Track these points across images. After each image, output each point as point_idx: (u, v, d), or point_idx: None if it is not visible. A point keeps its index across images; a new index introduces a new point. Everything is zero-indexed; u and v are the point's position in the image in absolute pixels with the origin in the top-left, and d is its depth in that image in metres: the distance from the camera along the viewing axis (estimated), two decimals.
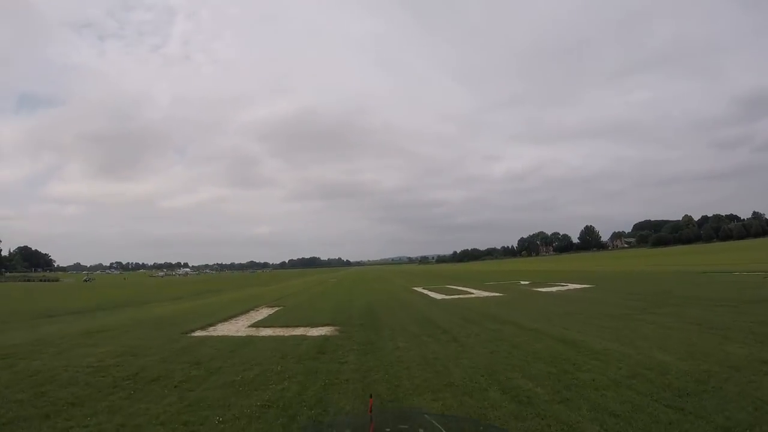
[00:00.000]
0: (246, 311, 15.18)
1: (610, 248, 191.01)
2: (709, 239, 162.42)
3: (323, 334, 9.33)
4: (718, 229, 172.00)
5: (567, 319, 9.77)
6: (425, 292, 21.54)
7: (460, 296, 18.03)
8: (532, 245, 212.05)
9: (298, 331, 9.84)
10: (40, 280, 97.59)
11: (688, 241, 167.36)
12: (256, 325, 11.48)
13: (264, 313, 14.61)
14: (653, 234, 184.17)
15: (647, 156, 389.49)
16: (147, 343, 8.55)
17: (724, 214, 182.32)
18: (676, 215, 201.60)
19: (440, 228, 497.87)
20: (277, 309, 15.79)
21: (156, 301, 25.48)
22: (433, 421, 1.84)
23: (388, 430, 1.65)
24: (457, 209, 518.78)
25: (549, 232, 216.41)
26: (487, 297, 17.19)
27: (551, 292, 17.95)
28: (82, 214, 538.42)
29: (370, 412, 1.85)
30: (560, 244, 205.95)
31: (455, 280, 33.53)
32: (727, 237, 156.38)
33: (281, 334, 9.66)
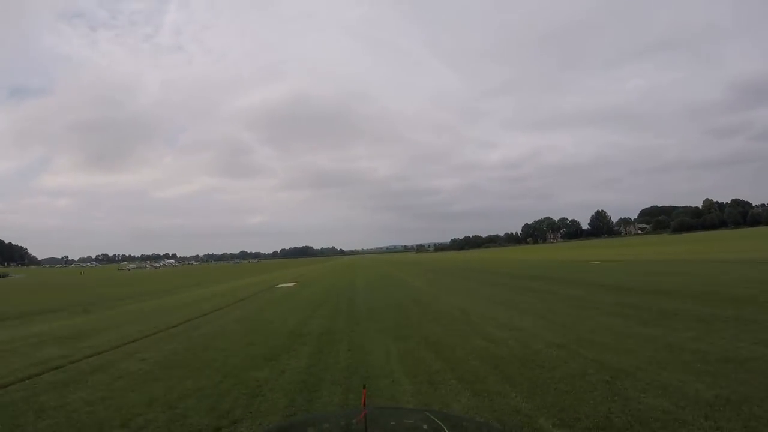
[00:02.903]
0: None
1: (623, 234, 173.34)
2: (737, 225, 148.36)
3: None
4: (745, 214, 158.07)
5: None
6: None
7: None
8: (539, 231, 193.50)
9: None
10: None
11: (712, 226, 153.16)
12: None
13: None
14: (667, 220, 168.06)
15: (642, 143, 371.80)
16: None
17: (742, 200, 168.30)
18: (673, 201, 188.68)
19: (435, 216, 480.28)
20: None
21: None
22: (430, 415, 1.63)
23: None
24: (452, 197, 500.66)
25: (554, 218, 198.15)
26: None
27: None
28: (73, 206, 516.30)
29: (364, 404, 1.76)
30: (569, 231, 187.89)
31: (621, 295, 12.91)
32: (756, 222, 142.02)
33: None
